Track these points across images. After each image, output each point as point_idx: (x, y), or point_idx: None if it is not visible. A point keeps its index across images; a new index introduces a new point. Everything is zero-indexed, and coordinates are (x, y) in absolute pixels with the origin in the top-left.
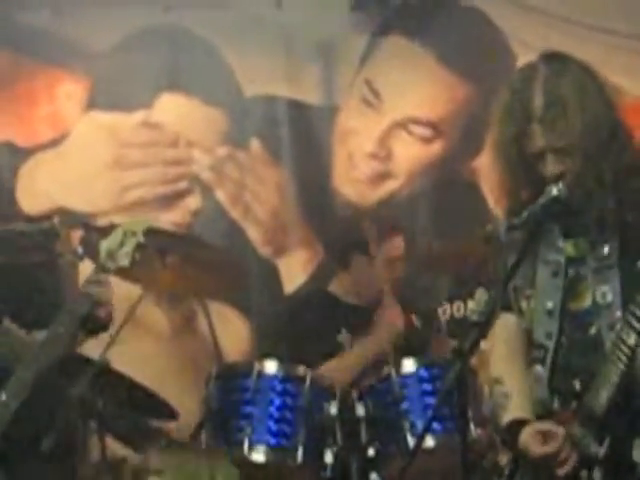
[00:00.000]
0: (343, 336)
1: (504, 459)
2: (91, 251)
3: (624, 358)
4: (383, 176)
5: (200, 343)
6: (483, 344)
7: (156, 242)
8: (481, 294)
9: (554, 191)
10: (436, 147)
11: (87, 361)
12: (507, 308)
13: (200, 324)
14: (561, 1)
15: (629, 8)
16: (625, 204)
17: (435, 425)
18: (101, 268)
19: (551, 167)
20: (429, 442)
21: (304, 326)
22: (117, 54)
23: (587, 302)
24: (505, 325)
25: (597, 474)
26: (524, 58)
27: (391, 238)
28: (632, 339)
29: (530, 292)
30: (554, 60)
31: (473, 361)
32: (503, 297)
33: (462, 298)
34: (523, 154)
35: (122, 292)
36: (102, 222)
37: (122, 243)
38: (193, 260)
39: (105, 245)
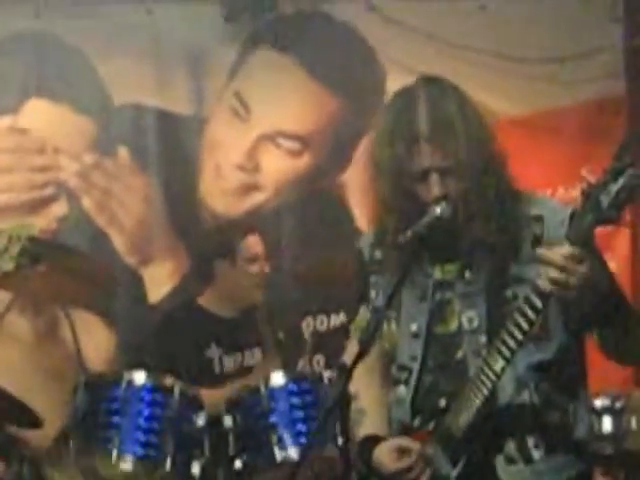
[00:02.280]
0: (212, 351)
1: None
2: None
3: (489, 383)
4: (250, 188)
5: (63, 351)
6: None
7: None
8: (364, 311)
9: (437, 210)
10: (304, 161)
11: None
12: None
13: (63, 332)
14: (430, 20)
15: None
16: (498, 230)
17: (302, 439)
18: None
19: (435, 188)
20: (295, 455)
21: (170, 338)
22: None
23: (453, 326)
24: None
25: None
26: (394, 75)
27: (247, 237)
28: (499, 366)
29: (393, 314)
30: (432, 83)
31: None
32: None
33: (326, 312)
34: (405, 175)
35: None
36: None
37: (6, 248)
38: (60, 268)
39: None
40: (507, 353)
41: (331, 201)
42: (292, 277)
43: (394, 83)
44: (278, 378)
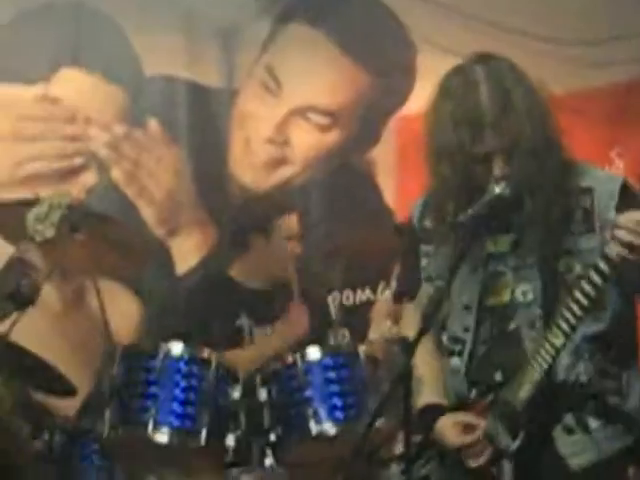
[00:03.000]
0: (242, 321)
1: (399, 448)
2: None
3: (548, 358)
4: (279, 162)
5: (90, 321)
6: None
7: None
8: (426, 287)
9: (497, 190)
10: (333, 136)
11: None
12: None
13: (90, 302)
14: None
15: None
16: (549, 204)
17: (337, 414)
18: (29, 239)
19: (497, 169)
20: (331, 430)
21: (200, 309)
22: (17, 27)
23: (506, 298)
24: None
25: (507, 467)
26: (424, 53)
27: (286, 217)
28: (559, 341)
29: (441, 284)
30: (489, 61)
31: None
32: (413, 290)
33: (352, 287)
34: (467, 157)
35: None
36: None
37: (47, 214)
38: (97, 236)
39: (31, 217)
40: (567, 329)
41: (359, 177)
42: (319, 251)
43: (425, 61)
44: (314, 352)
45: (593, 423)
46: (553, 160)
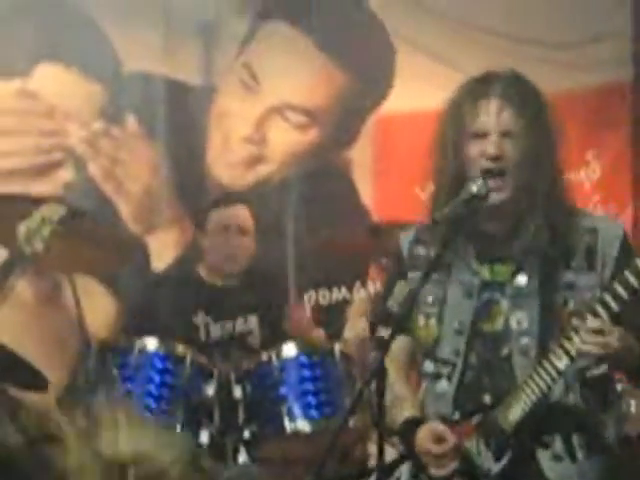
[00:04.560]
0: (199, 318)
1: (373, 448)
2: None
3: (548, 379)
4: (256, 160)
5: (65, 316)
6: None
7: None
8: (401, 286)
9: (473, 188)
10: (311, 135)
11: None
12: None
13: (66, 297)
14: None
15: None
16: (551, 238)
17: (312, 412)
18: (19, 252)
19: (491, 147)
20: (305, 428)
21: (164, 304)
22: None
23: (499, 325)
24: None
25: None
26: (403, 53)
27: (222, 208)
28: (562, 363)
29: (434, 310)
30: (502, 76)
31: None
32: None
33: (328, 286)
34: (464, 134)
35: None
36: None
37: (39, 229)
38: (74, 233)
39: (23, 230)
40: (573, 351)
41: (336, 176)
42: (295, 250)
43: (403, 61)
44: (289, 349)
45: (579, 453)
46: (555, 195)
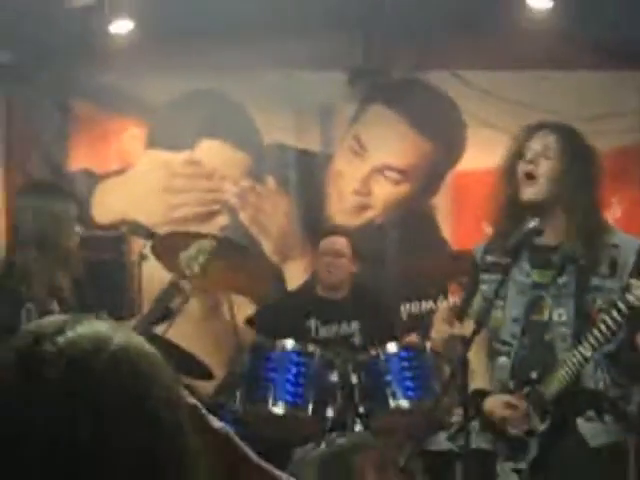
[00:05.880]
0: (311, 322)
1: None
2: (156, 252)
3: (578, 364)
4: (364, 208)
5: (223, 325)
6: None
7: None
8: (479, 299)
9: (532, 224)
10: (404, 188)
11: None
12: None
13: (224, 311)
14: (498, 84)
15: (544, 90)
16: (585, 251)
17: (410, 393)
18: (181, 273)
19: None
20: (405, 405)
21: (290, 313)
22: (170, 108)
23: (545, 317)
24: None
25: (534, 443)
26: (472, 127)
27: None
28: (589, 353)
29: (500, 304)
30: (554, 122)
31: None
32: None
33: (419, 299)
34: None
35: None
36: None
37: (196, 257)
38: (232, 264)
39: (184, 257)
40: (596, 344)
41: (423, 217)
42: (393, 273)
43: (472, 133)
44: (392, 347)
45: (607, 418)
46: (591, 220)
